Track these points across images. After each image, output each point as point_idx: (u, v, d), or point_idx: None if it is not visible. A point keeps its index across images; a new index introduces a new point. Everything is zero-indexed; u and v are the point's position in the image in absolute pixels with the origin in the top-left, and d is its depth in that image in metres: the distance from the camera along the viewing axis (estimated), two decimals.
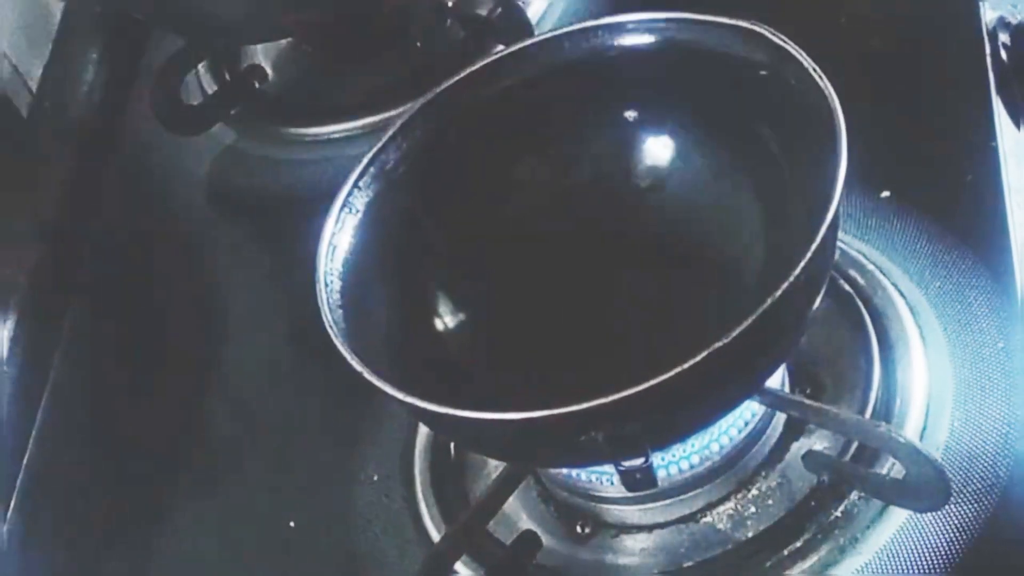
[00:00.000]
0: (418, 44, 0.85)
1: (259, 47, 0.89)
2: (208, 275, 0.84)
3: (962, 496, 0.53)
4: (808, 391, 0.59)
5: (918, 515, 0.53)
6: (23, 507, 0.73)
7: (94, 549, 0.71)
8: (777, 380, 0.58)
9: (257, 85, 0.88)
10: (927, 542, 0.53)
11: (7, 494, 0.73)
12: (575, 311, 0.60)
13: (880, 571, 0.53)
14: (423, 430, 0.67)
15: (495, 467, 0.62)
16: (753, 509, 0.56)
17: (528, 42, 0.59)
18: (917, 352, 0.59)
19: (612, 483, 0.56)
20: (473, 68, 0.58)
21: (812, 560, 0.54)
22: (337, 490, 0.67)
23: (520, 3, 0.80)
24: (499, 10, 0.76)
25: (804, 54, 0.50)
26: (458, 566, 0.59)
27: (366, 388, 0.47)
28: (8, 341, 0.79)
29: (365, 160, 0.56)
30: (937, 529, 0.53)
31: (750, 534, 0.56)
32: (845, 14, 0.75)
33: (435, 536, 0.62)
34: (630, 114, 0.59)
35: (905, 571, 0.53)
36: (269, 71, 0.88)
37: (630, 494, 0.57)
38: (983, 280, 0.61)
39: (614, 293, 0.61)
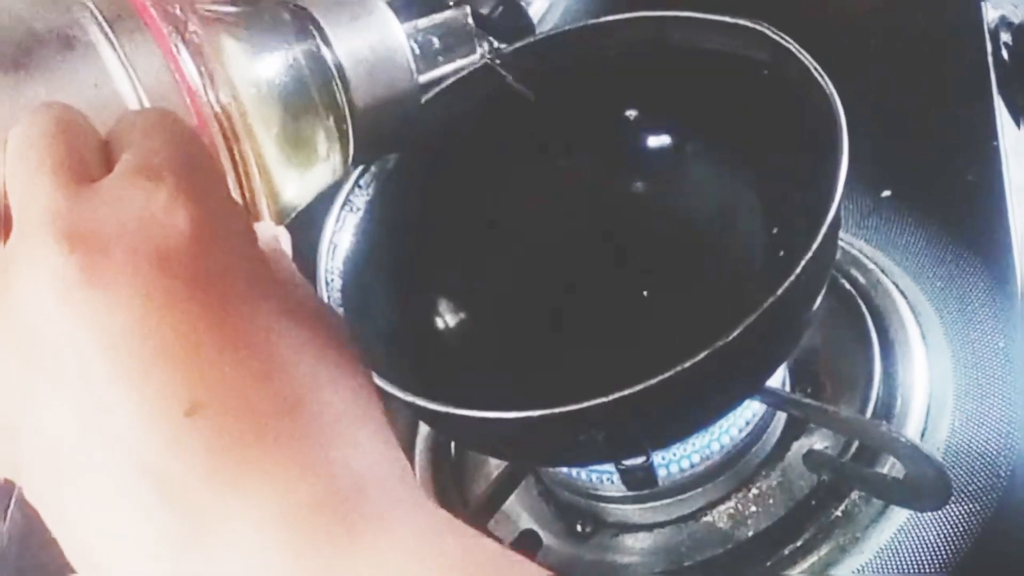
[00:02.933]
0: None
1: None
2: None
3: (963, 496, 0.53)
4: (809, 390, 0.59)
5: (918, 514, 0.53)
6: (24, 504, 0.73)
7: None
8: (778, 379, 0.58)
9: None
10: (927, 542, 0.53)
11: (7, 492, 0.73)
12: (575, 310, 0.60)
13: (880, 570, 0.53)
14: (423, 429, 0.67)
15: (495, 466, 0.62)
16: (753, 508, 0.56)
17: (529, 41, 0.59)
18: (918, 351, 0.59)
19: (612, 482, 0.56)
20: (474, 67, 0.58)
21: (812, 559, 0.54)
22: None
23: (522, 2, 0.80)
24: (500, 9, 0.76)
25: (805, 53, 0.50)
26: None
27: None
28: None
29: None
30: (937, 529, 0.53)
31: (750, 533, 0.56)
32: (846, 13, 0.75)
33: None
34: (630, 113, 0.59)
35: (905, 571, 0.53)
36: None
37: (630, 493, 0.57)
38: (984, 279, 0.61)
39: (614, 292, 0.60)
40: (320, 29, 0.38)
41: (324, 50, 0.38)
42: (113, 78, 0.33)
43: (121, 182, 0.29)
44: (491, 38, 0.77)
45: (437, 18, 0.42)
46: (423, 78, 0.41)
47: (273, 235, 0.35)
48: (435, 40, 0.42)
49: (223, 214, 0.29)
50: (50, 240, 0.27)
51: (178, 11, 0.35)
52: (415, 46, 0.41)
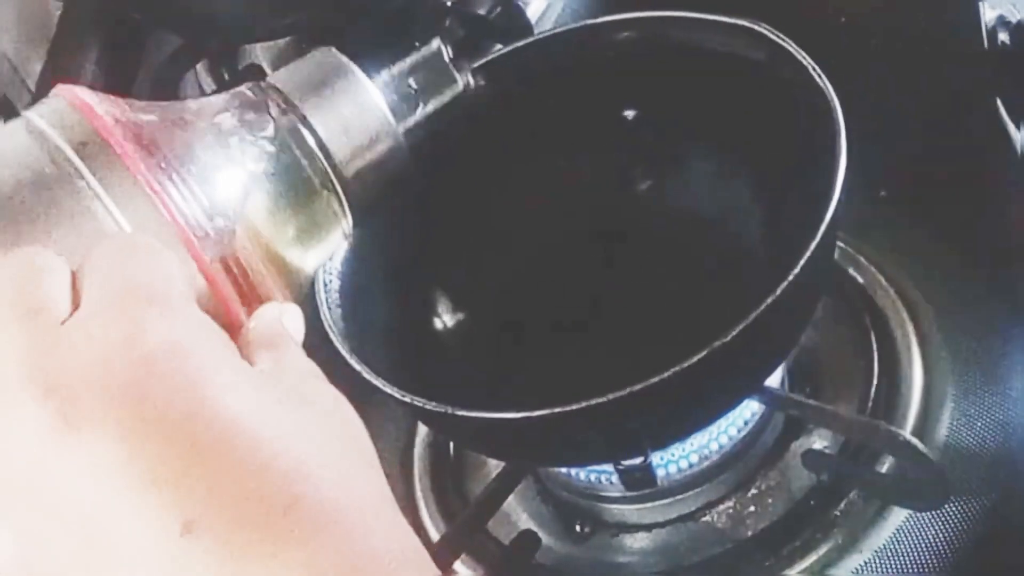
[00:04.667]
0: (416, 44, 0.85)
1: (258, 46, 0.89)
2: None
3: (961, 495, 0.53)
4: (807, 390, 0.60)
5: (917, 514, 0.53)
6: None
7: None
8: (776, 379, 0.58)
9: None
10: (926, 541, 0.53)
11: None
12: (574, 310, 0.60)
13: (879, 570, 0.53)
14: (422, 430, 0.67)
15: (494, 466, 0.62)
16: (752, 508, 0.56)
17: (527, 41, 0.59)
18: (916, 351, 0.59)
19: (612, 482, 0.56)
20: (472, 67, 0.58)
21: (811, 559, 0.54)
22: None
23: (519, 3, 0.80)
24: (498, 9, 0.76)
25: (803, 53, 0.50)
26: (457, 565, 0.59)
27: (365, 387, 0.47)
28: None
29: None
30: (936, 528, 0.53)
31: (749, 533, 0.56)
32: (844, 13, 0.75)
33: (434, 535, 0.62)
34: (629, 113, 0.59)
35: (904, 570, 0.53)
36: (268, 71, 0.88)
37: (629, 493, 0.57)
38: (982, 279, 0.61)
39: (613, 292, 0.61)
40: (293, 106, 0.38)
41: (302, 129, 0.38)
42: (90, 210, 0.33)
43: (83, 321, 0.29)
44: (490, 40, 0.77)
45: (410, 59, 0.42)
46: (410, 122, 0.41)
47: (275, 318, 0.35)
48: (412, 82, 0.42)
49: (189, 329, 0.30)
50: (24, 392, 0.28)
51: (146, 133, 0.34)
52: (393, 96, 0.40)
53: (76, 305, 0.30)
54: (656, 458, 0.54)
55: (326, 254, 0.39)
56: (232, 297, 0.35)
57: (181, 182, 0.34)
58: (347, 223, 0.39)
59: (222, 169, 0.36)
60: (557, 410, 0.43)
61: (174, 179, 0.34)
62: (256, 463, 0.28)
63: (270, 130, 0.37)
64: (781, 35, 0.51)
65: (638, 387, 0.42)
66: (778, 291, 0.43)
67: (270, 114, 0.38)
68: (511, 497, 0.59)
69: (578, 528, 0.59)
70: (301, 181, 0.37)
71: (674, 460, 0.56)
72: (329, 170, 0.38)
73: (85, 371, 0.28)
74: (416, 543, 0.30)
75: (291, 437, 0.29)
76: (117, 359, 0.28)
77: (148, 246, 0.32)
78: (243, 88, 0.39)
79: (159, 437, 0.28)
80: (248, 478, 0.28)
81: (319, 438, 0.30)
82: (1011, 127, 0.66)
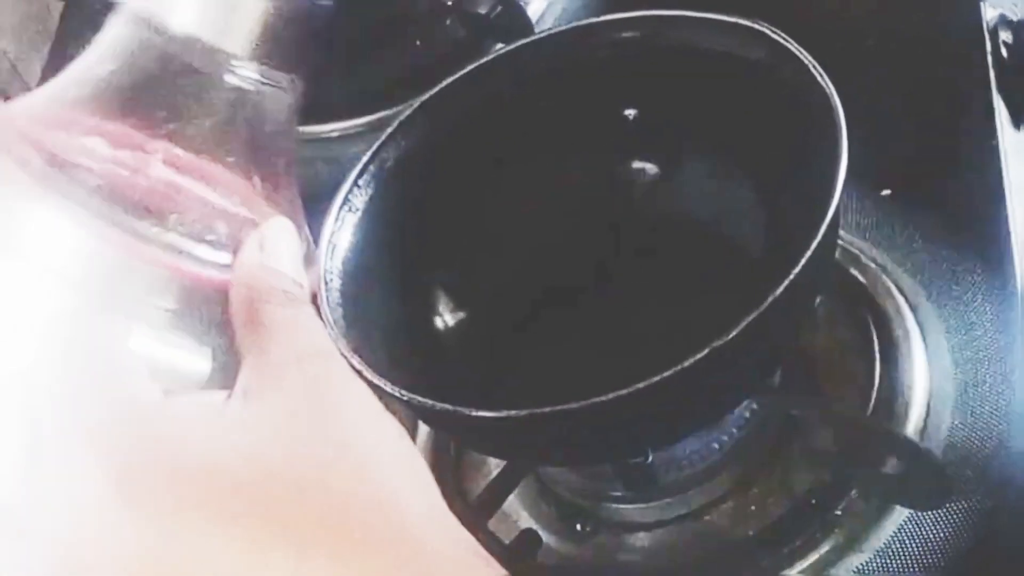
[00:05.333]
0: (418, 43, 0.85)
1: None
2: None
3: (962, 494, 0.53)
4: (809, 389, 0.59)
5: (918, 513, 0.53)
6: None
7: None
8: (777, 378, 0.58)
9: None
10: (927, 540, 0.53)
11: None
12: (573, 309, 0.60)
13: (880, 569, 0.53)
14: (423, 429, 0.67)
15: (495, 465, 0.62)
16: (753, 507, 0.56)
17: (527, 40, 0.59)
18: (917, 350, 0.59)
19: (612, 482, 0.56)
20: (472, 66, 0.58)
21: (812, 558, 0.54)
22: None
23: (520, 2, 0.80)
24: (499, 9, 0.76)
25: (804, 52, 0.50)
26: None
27: None
28: None
29: (365, 158, 0.56)
30: (937, 527, 0.53)
31: (750, 532, 0.56)
32: (844, 12, 0.75)
33: None
34: (629, 113, 0.59)
35: (905, 569, 0.53)
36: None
37: (630, 492, 0.57)
38: (983, 278, 0.61)
39: (613, 292, 0.60)
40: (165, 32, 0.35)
41: (195, 49, 0.34)
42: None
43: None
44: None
45: None
46: None
47: (253, 275, 0.33)
48: None
49: (123, 408, 0.30)
50: None
51: (52, 140, 0.32)
52: None
53: None
54: (657, 457, 0.54)
55: (289, 120, 0.37)
56: (203, 274, 0.33)
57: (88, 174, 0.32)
58: (286, 84, 0.36)
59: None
60: (557, 408, 0.43)
61: (72, 176, 0.32)
62: (254, 516, 0.28)
63: (166, 65, 0.35)
64: (782, 34, 0.51)
65: (638, 386, 0.42)
66: (779, 290, 0.43)
67: (154, 43, 0.35)
68: (512, 496, 0.59)
69: (579, 527, 0.59)
70: (219, 96, 0.35)
71: (675, 459, 0.56)
72: (239, 70, 0.35)
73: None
74: (456, 528, 0.30)
75: (274, 475, 0.29)
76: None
77: (79, 311, 0.31)
78: (119, 28, 0.35)
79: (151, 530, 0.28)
80: (252, 532, 0.28)
81: (308, 460, 0.29)
82: (1011, 126, 0.66)
